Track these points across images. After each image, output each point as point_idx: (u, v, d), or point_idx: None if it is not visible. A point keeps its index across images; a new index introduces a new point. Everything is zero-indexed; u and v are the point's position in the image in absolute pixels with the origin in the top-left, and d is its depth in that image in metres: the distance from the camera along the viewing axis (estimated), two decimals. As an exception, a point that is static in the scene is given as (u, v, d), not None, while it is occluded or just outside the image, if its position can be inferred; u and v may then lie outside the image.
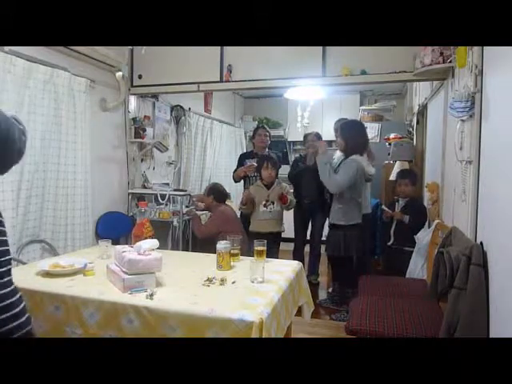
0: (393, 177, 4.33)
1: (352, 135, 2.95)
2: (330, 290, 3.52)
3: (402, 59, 3.00)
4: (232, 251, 1.97)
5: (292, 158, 6.28)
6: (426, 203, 3.49)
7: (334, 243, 2.95)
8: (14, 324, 0.99)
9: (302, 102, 5.94)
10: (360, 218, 2.98)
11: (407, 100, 5.60)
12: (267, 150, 3.99)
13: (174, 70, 3.65)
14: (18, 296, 1.04)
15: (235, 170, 3.88)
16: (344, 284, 3.13)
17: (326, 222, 3.91)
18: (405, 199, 3.35)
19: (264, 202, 3.18)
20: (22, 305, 1.04)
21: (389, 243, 3.33)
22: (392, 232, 3.32)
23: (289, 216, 4.03)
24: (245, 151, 6.23)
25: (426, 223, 3.24)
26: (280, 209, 3.24)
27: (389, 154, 4.39)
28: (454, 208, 2.40)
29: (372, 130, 5.02)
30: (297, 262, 2.18)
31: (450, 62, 2.46)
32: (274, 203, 3.18)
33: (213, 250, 1.96)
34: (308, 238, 4.06)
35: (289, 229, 3.99)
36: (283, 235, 4.03)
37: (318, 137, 3.86)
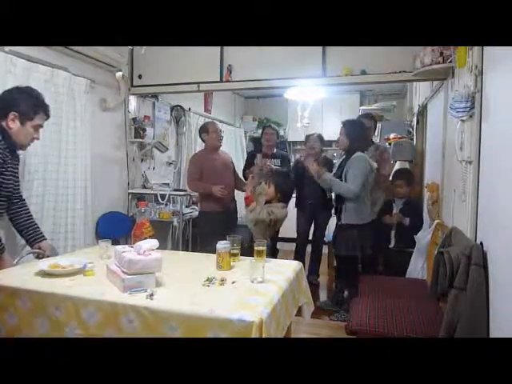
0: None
1: (356, 132, 3.00)
2: (333, 289, 3.50)
3: (402, 59, 3.00)
4: (232, 251, 1.97)
5: (292, 158, 6.28)
6: (425, 203, 3.48)
7: (347, 243, 2.93)
8: None
9: (302, 102, 5.94)
10: (371, 216, 2.98)
11: (407, 100, 5.60)
12: (275, 149, 4.02)
13: (174, 70, 3.65)
14: None
15: (245, 169, 3.87)
16: (349, 283, 3.13)
17: (328, 222, 3.92)
18: (401, 200, 3.31)
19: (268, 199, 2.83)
20: None
21: (390, 246, 3.28)
22: (393, 234, 3.27)
23: (291, 216, 4.03)
24: (246, 151, 6.26)
25: (427, 223, 3.23)
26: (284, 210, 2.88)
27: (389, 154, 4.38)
28: (454, 208, 2.40)
29: (372, 130, 5.00)
30: (297, 262, 2.18)
31: (450, 61, 2.46)
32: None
33: (213, 250, 1.96)
34: (310, 237, 4.06)
35: (290, 228, 3.99)
36: (284, 235, 4.03)
37: (320, 138, 3.85)
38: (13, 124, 1.90)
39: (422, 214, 3.21)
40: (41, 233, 2.18)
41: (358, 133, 3.01)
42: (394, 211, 3.33)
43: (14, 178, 2.03)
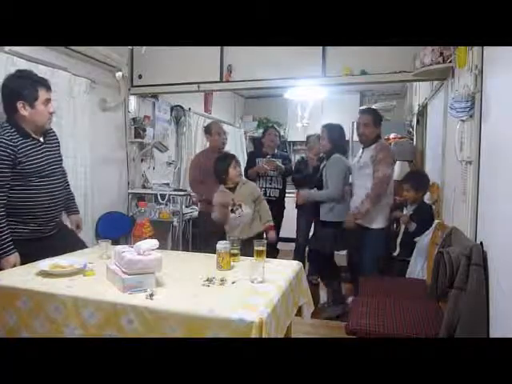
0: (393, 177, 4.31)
1: (337, 137, 3.14)
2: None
3: (402, 59, 3.00)
4: (232, 251, 1.97)
5: (292, 158, 6.27)
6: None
7: (322, 239, 3.06)
8: None
9: (302, 102, 5.94)
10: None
11: (407, 100, 5.60)
12: (276, 150, 4.02)
13: (174, 70, 3.65)
14: None
15: (246, 169, 3.87)
16: (325, 277, 3.22)
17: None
18: (412, 206, 3.09)
19: (230, 208, 2.78)
20: None
21: (394, 253, 3.11)
22: (398, 242, 3.11)
23: (291, 215, 4.03)
24: (246, 151, 6.25)
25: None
26: (250, 211, 2.78)
27: (389, 154, 4.37)
28: (454, 208, 2.40)
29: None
30: (296, 262, 2.18)
31: (450, 62, 2.46)
32: (241, 206, 2.78)
33: (213, 250, 1.96)
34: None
35: (290, 228, 3.99)
36: (284, 235, 4.02)
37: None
38: (25, 111, 1.97)
39: (432, 222, 2.88)
40: (74, 206, 2.48)
41: (339, 137, 3.14)
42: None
43: (45, 160, 2.08)
